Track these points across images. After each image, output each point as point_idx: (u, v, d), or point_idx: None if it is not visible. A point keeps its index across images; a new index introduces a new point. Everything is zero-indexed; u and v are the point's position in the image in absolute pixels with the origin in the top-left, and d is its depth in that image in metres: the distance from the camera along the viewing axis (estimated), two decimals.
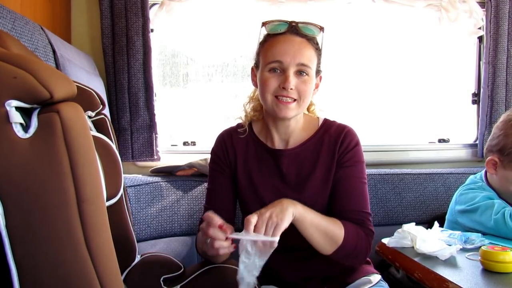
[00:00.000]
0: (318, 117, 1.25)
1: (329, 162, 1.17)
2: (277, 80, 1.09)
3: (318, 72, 1.17)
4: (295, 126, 1.19)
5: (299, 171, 1.19)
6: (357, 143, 1.18)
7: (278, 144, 1.21)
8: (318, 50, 1.15)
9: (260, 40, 1.17)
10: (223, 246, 0.96)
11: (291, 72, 1.08)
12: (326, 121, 1.24)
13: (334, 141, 1.18)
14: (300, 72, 1.10)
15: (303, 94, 1.10)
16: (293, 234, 1.18)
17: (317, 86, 1.19)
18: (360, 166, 1.18)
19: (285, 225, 0.96)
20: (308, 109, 1.26)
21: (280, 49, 1.09)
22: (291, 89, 1.08)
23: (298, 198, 1.15)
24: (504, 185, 1.38)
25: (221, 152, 1.25)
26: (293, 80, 1.08)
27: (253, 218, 0.95)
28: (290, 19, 1.13)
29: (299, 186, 1.18)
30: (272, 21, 1.13)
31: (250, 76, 1.23)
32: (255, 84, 1.21)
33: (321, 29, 1.14)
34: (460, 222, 1.41)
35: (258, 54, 1.17)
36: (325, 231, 1.06)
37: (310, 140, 1.20)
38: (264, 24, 1.14)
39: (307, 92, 1.11)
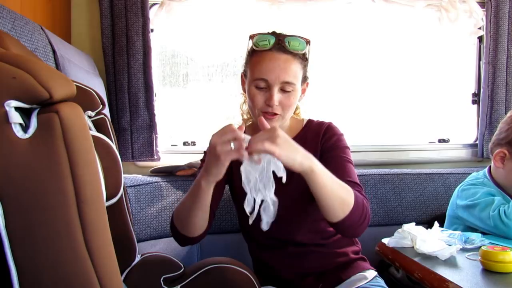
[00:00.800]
0: (302, 119, 1.30)
1: (313, 153, 1.17)
2: (263, 96, 1.14)
3: (304, 79, 1.20)
4: (283, 129, 1.22)
5: (287, 168, 1.19)
6: (338, 133, 1.22)
7: None
8: (304, 61, 1.17)
9: (248, 51, 1.19)
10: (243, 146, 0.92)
11: (276, 89, 1.12)
12: (309, 120, 1.29)
13: (316, 134, 1.23)
14: (284, 88, 1.13)
15: (286, 108, 1.15)
16: (286, 228, 1.20)
17: (303, 92, 1.23)
18: (344, 150, 1.19)
19: (279, 152, 0.90)
20: (294, 112, 1.28)
21: (265, 67, 1.12)
22: (276, 105, 1.12)
23: (287, 192, 1.13)
24: (510, 178, 1.39)
25: None
26: (277, 97, 1.12)
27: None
28: (277, 31, 1.15)
29: (288, 181, 1.18)
30: (259, 35, 1.15)
31: None
32: (244, 90, 1.26)
33: (308, 42, 1.16)
34: (461, 217, 1.41)
35: (246, 65, 1.20)
36: (338, 189, 1.02)
37: (295, 139, 1.21)
38: (251, 37, 1.17)
39: (291, 106, 1.16)
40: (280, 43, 1.12)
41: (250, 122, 1.31)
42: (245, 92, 1.25)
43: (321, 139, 1.22)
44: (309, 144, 1.20)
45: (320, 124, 1.26)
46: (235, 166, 1.24)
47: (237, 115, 1.34)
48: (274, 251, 1.23)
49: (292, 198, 1.19)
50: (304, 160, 0.95)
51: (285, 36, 1.13)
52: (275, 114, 1.14)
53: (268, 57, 1.12)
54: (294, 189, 1.18)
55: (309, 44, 1.16)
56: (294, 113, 1.29)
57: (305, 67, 1.18)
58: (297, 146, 0.95)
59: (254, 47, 1.16)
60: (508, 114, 1.45)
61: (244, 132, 1.25)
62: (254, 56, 1.16)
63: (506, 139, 1.40)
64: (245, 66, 1.21)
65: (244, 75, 1.23)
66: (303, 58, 1.16)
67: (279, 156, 0.92)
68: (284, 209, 1.20)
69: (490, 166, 1.47)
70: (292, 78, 1.13)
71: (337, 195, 1.01)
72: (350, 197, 1.03)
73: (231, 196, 1.34)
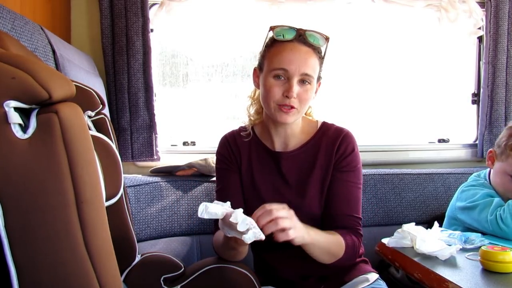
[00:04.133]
0: (316, 120, 1.27)
1: (326, 165, 1.19)
2: (281, 88, 1.11)
3: (318, 78, 1.18)
4: (294, 129, 1.21)
5: (299, 173, 1.21)
6: (354, 148, 1.20)
7: (278, 146, 1.23)
8: (321, 59, 1.16)
9: (267, 43, 1.17)
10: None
11: (295, 81, 1.10)
12: (324, 124, 1.25)
13: (332, 144, 1.20)
14: (303, 81, 1.11)
15: (303, 102, 1.13)
16: None
17: (315, 91, 1.21)
18: (357, 172, 1.20)
19: (287, 236, 0.96)
20: (305, 112, 1.27)
21: (286, 57, 1.10)
22: (293, 98, 1.10)
23: (299, 199, 1.18)
24: (493, 178, 1.42)
25: (227, 152, 1.26)
26: (296, 89, 1.10)
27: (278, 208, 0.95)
28: (297, 26, 1.14)
29: (299, 187, 1.20)
30: (280, 26, 1.14)
31: (250, 76, 1.25)
32: (257, 85, 1.22)
33: (327, 39, 1.15)
34: (459, 219, 1.42)
35: (263, 57, 1.17)
36: (328, 250, 1.10)
37: (308, 143, 1.22)
38: (272, 28, 1.15)
39: (307, 100, 1.13)
40: (301, 34, 1.12)
41: (258, 122, 1.28)
42: (257, 86, 1.22)
43: (336, 150, 1.18)
44: (323, 151, 1.20)
45: (337, 131, 1.21)
46: (243, 168, 1.24)
47: (239, 117, 1.31)
48: (277, 251, 1.23)
49: (297, 205, 1.19)
50: (305, 234, 1.01)
51: (306, 30, 1.13)
52: (292, 107, 1.11)
53: (289, 47, 1.11)
54: (305, 199, 1.18)
55: (327, 41, 1.15)
56: (305, 113, 1.27)
57: (321, 64, 1.16)
58: (297, 220, 0.99)
59: (275, 37, 1.14)
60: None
61: (253, 131, 1.25)
62: (274, 46, 1.14)
63: (498, 140, 1.42)
64: (261, 59, 1.18)
65: (259, 68, 1.20)
66: (320, 55, 1.15)
67: (294, 239, 0.97)
68: (296, 214, 1.20)
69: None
70: (311, 71, 1.11)
71: (326, 253, 1.10)
72: (339, 251, 1.12)
73: None
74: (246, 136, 1.26)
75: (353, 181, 1.19)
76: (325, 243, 1.09)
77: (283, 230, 0.94)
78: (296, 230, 0.97)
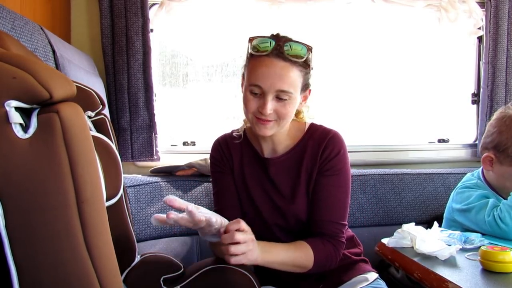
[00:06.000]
0: (305, 123, 1.23)
1: (311, 168, 1.17)
2: (256, 102, 1.08)
3: (306, 86, 1.14)
4: (280, 136, 1.18)
5: (287, 179, 1.19)
6: (340, 150, 1.16)
7: (267, 153, 1.22)
8: (305, 69, 1.10)
9: (249, 54, 1.13)
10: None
11: (270, 97, 1.06)
12: (312, 126, 1.22)
13: (317, 146, 1.16)
14: (280, 96, 1.07)
15: (282, 116, 1.09)
16: (288, 234, 1.19)
17: (305, 99, 1.17)
18: (343, 176, 1.16)
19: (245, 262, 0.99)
20: (296, 116, 1.22)
21: (260, 74, 1.06)
22: (270, 113, 1.07)
23: (288, 204, 1.18)
24: (500, 181, 1.39)
25: (219, 155, 1.26)
26: (271, 105, 1.06)
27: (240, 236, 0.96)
28: (280, 34, 1.09)
29: (287, 193, 1.19)
30: (258, 38, 1.09)
31: None
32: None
33: (309, 49, 1.09)
34: (457, 220, 1.42)
35: (245, 67, 1.14)
36: (293, 263, 1.09)
37: (295, 148, 1.20)
38: (250, 40, 1.11)
39: (287, 114, 1.10)
40: (279, 48, 1.05)
41: (249, 125, 1.26)
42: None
43: (321, 154, 1.15)
44: (309, 154, 1.17)
45: (324, 133, 1.18)
46: (236, 171, 1.24)
47: (237, 116, 1.29)
48: None
49: (286, 210, 1.19)
50: (258, 259, 1.02)
51: (286, 40, 1.07)
52: (269, 120, 1.09)
53: (265, 63, 1.06)
54: (294, 205, 1.18)
55: (311, 51, 1.09)
56: (296, 116, 1.22)
57: (306, 74, 1.11)
58: (253, 247, 0.99)
59: (252, 51, 1.09)
60: (494, 117, 1.43)
61: (244, 134, 1.25)
62: (252, 60, 1.10)
63: (492, 143, 1.39)
64: (244, 69, 1.16)
65: (242, 77, 1.18)
66: (304, 66, 1.09)
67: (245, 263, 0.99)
68: (284, 218, 1.20)
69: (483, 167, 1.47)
70: (288, 87, 1.06)
71: (291, 267, 1.10)
72: (306, 262, 1.11)
73: None
74: (237, 138, 1.24)
75: (338, 185, 1.15)
76: (286, 260, 1.08)
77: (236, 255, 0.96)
78: (247, 255, 0.97)
